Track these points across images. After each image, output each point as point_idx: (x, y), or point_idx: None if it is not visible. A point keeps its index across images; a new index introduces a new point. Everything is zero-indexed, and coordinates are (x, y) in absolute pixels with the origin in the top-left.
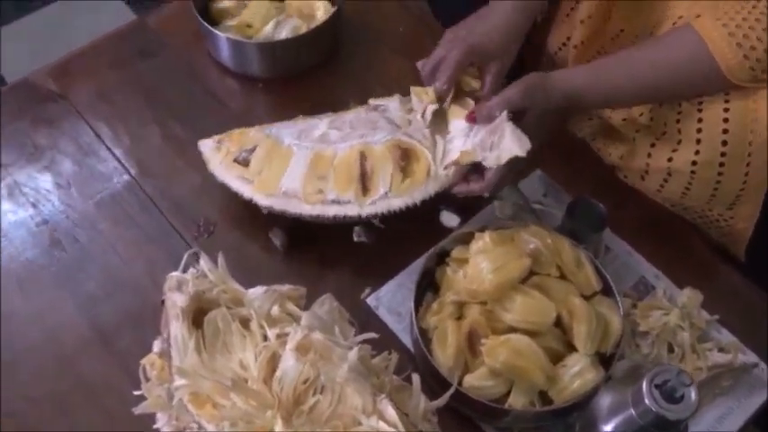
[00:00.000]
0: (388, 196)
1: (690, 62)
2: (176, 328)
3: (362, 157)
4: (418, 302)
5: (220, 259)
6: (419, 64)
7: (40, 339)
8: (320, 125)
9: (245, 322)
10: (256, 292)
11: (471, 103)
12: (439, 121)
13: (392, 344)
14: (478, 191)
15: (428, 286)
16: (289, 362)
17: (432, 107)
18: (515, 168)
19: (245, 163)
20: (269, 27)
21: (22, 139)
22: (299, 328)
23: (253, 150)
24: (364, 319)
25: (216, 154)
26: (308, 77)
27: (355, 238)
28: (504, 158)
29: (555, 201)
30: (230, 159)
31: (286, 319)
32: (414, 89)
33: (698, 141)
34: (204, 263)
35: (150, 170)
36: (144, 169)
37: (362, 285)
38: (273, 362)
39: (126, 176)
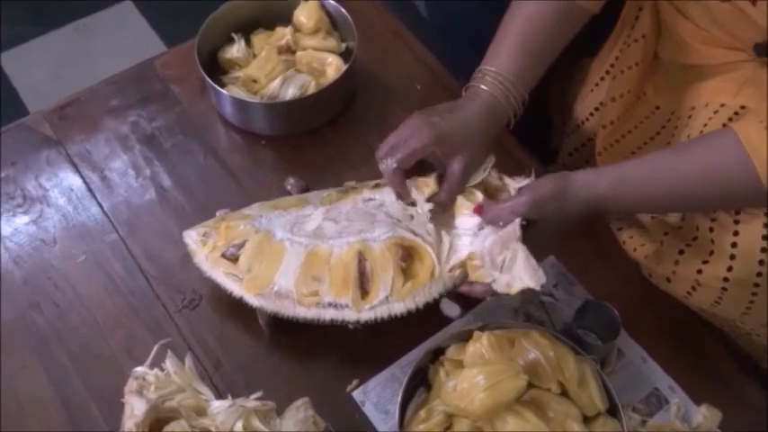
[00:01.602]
0: (389, 300)
1: (728, 173)
2: None
3: (361, 257)
4: (407, 400)
5: (188, 361)
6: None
7: (7, 410)
8: (315, 216)
9: None
10: (221, 405)
11: (479, 195)
12: (444, 215)
13: None
14: (482, 294)
15: (421, 382)
16: None
17: (428, 205)
18: None
19: (233, 259)
20: (275, 83)
21: (12, 188)
22: None
23: (242, 246)
24: (348, 417)
25: (201, 248)
26: (315, 135)
27: (350, 326)
28: (516, 288)
29: (566, 293)
30: (217, 254)
31: None
32: (413, 180)
33: (732, 257)
34: (170, 363)
35: (139, 230)
36: (133, 229)
37: (351, 376)
38: None
39: (114, 235)
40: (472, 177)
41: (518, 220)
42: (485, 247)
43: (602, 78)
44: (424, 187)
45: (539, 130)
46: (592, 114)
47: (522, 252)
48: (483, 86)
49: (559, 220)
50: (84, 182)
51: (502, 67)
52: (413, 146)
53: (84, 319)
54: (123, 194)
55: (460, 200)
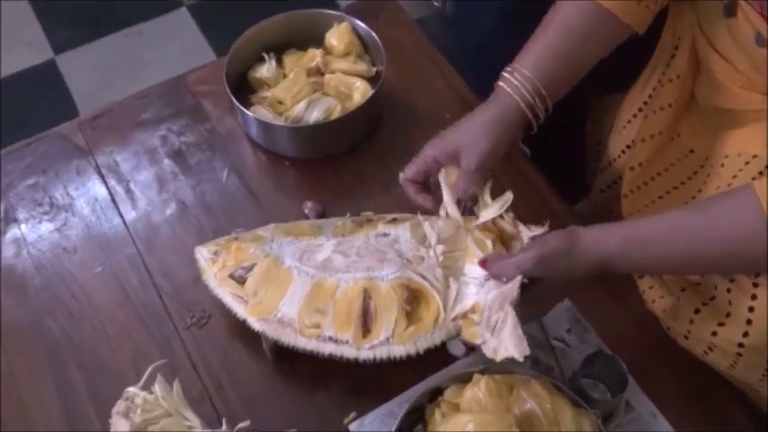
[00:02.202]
0: (390, 342)
1: (747, 236)
2: None
3: (366, 294)
4: None
5: (176, 386)
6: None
7: (12, 416)
8: (325, 247)
9: None
10: None
11: (489, 245)
12: (454, 259)
13: None
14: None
15: (420, 419)
16: None
17: (441, 247)
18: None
19: (241, 281)
20: (300, 106)
21: (41, 195)
22: None
23: (250, 269)
24: None
25: (211, 266)
26: (338, 160)
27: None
28: (501, 356)
29: (579, 340)
30: (226, 274)
31: None
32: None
33: (748, 322)
34: (159, 387)
35: (157, 245)
36: (151, 243)
37: (350, 407)
38: None
39: (132, 249)
40: (487, 212)
41: (519, 278)
42: (487, 300)
43: (635, 116)
44: (481, 245)
45: (573, 166)
46: (624, 152)
47: (510, 319)
48: (504, 85)
49: (566, 278)
50: (110, 193)
51: (528, 68)
52: (420, 156)
53: (96, 330)
54: (145, 208)
55: (471, 247)
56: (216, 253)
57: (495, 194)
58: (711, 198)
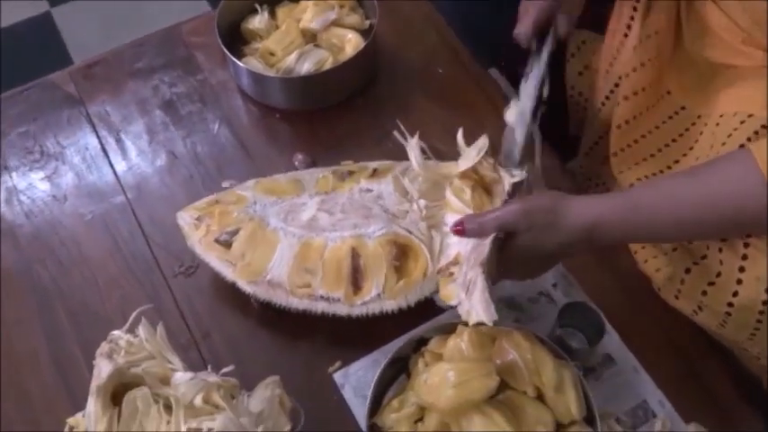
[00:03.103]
0: (381, 298)
1: (743, 200)
2: (90, 404)
3: (354, 253)
4: (386, 387)
5: (160, 329)
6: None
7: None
8: (309, 205)
9: (170, 405)
10: (183, 377)
11: (468, 193)
12: (435, 212)
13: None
14: None
15: (403, 369)
16: None
17: (423, 202)
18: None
19: (226, 245)
20: (291, 57)
21: (31, 143)
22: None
23: (235, 233)
24: (327, 398)
25: (195, 231)
26: (330, 113)
27: None
28: (473, 320)
29: (564, 295)
30: (211, 239)
31: (207, 412)
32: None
33: (738, 282)
34: (143, 330)
35: (147, 195)
36: (141, 193)
37: (335, 356)
38: None
39: (121, 197)
40: (464, 161)
41: (492, 235)
42: (466, 251)
43: (615, 59)
44: (460, 193)
45: (559, 121)
46: (608, 98)
47: (480, 282)
48: None
49: (546, 241)
50: (100, 142)
51: None
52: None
53: (85, 278)
54: (135, 158)
55: (449, 198)
56: (198, 218)
57: None
58: (707, 163)
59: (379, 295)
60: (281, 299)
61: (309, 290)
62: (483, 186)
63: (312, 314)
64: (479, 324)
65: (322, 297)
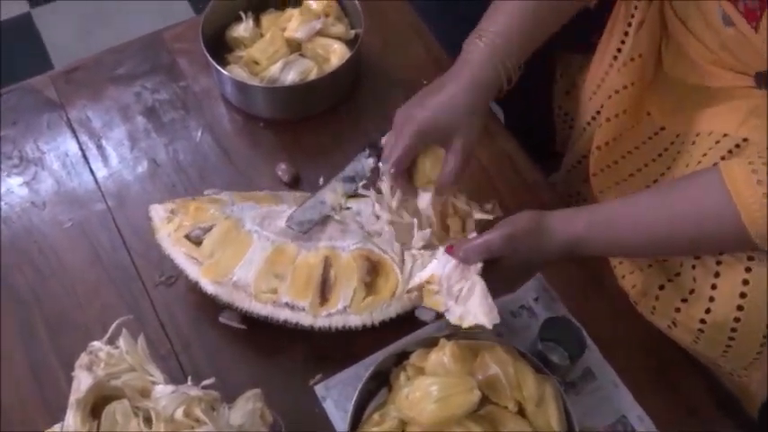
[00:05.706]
0: (347, 312)
1: (713, 218)
2: (69, 417)
3: (327, 262)
4: (367, 401)
5: (141, 340)
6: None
7: None
8: (287, 213)
9: (150, 419)
10: (164, 390)
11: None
12: (405, 234)
13: None
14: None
15: (385, 383)
16: None
17: (388, 216)
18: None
19: (197, 241)
20: (276, 67)
21: (10, 148)
22: None
23: (208, 230)
24: (308, 411)
25: (166, 224)
26: (314, 122)
27: None
28: (468, 323)
29: (545, 309)
30: (181, 234)
31: (188, 426)
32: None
33: (711, 299)
34: (124, 342)
35: (127, 203)
36: (122, 201)
37: (317, 369)
38: None
39: (102, 205)
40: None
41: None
42: (444, 272)
43: (603, 80)
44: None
45: (543, 134)
46: (594, 118)
47: (480, 287)
48: (474, 51)
49: (530, 260)
50: (81, 148)
51: (497, 28)
52: (398, 151)
53: (64, 286)
54: (116, 165)
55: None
56: (173, 211)
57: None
58: (677, 180)
59: (346, 308)
60: (243, 302)
61: (274, 296)
62: (456, 215)
63: (275, 324)
64: (474, 328)
65: (286, 304)
